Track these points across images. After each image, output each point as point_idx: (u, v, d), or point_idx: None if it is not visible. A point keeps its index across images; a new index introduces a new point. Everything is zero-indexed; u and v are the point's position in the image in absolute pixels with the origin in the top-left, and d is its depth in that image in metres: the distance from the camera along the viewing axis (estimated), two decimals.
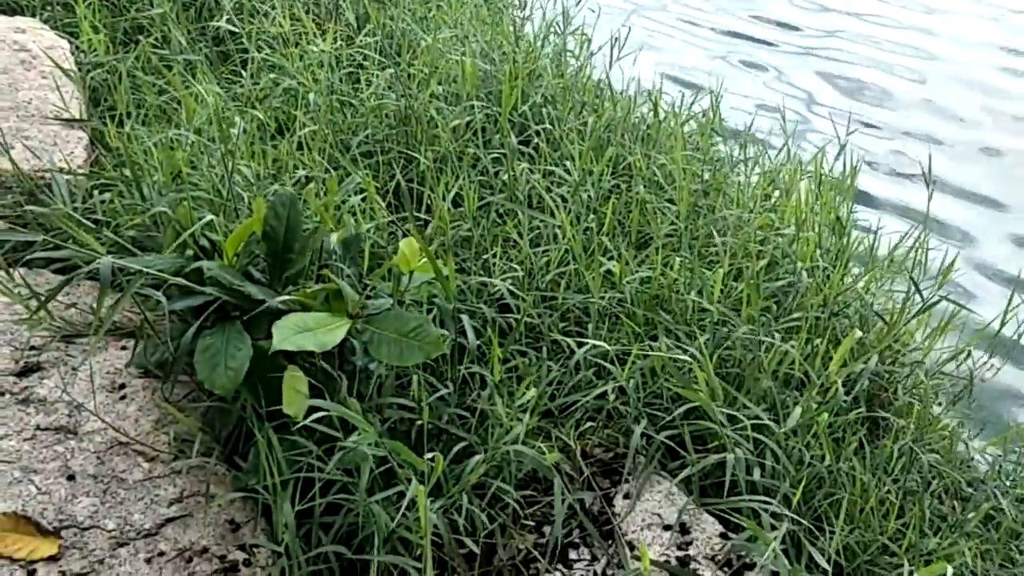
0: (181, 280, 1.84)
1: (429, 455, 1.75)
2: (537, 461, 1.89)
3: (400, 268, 1.95)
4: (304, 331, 1.73)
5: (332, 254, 2.01)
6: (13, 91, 2.78)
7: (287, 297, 1.83)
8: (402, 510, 1.66)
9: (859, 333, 2.21)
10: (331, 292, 1.89)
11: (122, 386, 2.00)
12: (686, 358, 2.12)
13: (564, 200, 2.82)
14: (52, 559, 1.64)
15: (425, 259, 1.95)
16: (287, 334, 1.69)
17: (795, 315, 2.48)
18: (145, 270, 1.75)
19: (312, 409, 1.78)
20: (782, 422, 2.19)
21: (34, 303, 2.06)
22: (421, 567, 1.69)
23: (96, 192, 2.42)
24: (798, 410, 2.15)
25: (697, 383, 2.12)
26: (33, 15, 3.41)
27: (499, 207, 2.76)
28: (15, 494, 1.73)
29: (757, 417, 2.14)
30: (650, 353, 2.19)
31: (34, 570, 1.62)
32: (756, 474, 2.06)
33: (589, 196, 2.85)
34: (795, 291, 2.63)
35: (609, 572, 1.92)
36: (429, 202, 2.77)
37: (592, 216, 2.75)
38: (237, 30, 3.24)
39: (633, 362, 2.21)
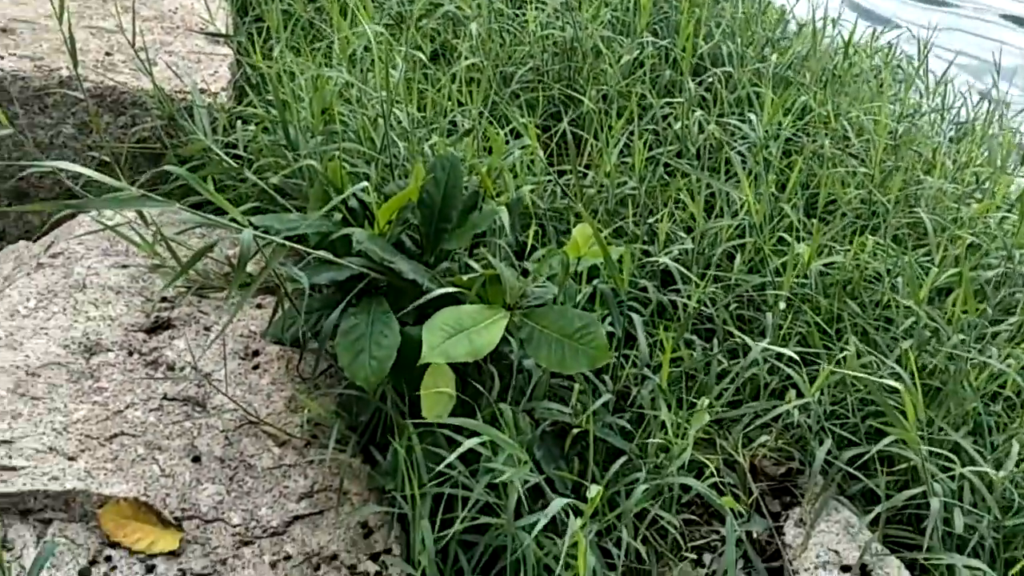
0: (324, 253, 1.64)
1: (590, 486, 1.53)
2: (710, 497, 1.66)
3: (567, 255, 1.71)
4: (458, 331, 1.52)
5: (493, 227, 1.78)
6: None
7: (441, 291, 1.61)
8: (564, 547, 1.45)
9: None
10: (488, 277, 1.67)
11: (255, 353, 1.84)
12: (889, 382, 1.82)
13: (742, 157, 2.50)
14: (172, 555, 1.51)
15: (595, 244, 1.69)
16: (438, 339, 1.48)
17: (1012, 319, 2.13)
18: (289, 244, 1.56)
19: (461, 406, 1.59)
20: (988, 450, 1.90)
21: (165, 252, 1.91)
22: None
23: (240, 123, 2.23)
24: (1016, 447, 1.84)
25: (897, 403, 1.83)
26: None
27: (668, 162, 2.47)
28: (138, 474, 1.59)
29: (961, 450, 1.84)
30: (842, 371, 1.90)
31: (153, 565, 1.49)
32: (957, 519, 1.77)
33: (771, 152, 2.52)
34: (1008, 285, 2.27)
35: None
36: (591, 149, 2.49)
37: (772, 176, 2.43)
38: None
39: (825, 375, 1.91)
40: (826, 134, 2.64)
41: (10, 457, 1.55)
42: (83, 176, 2.17)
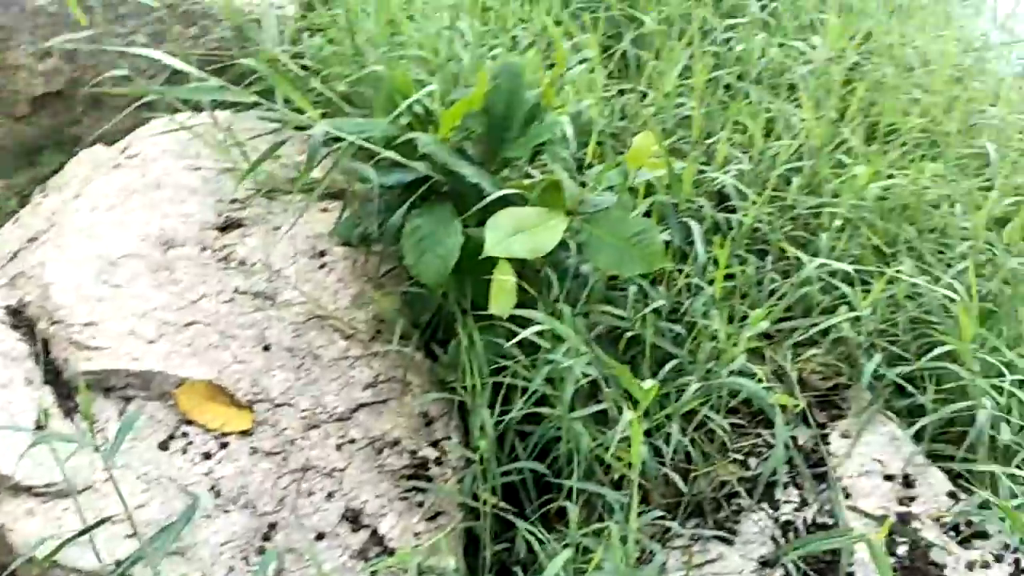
0: (392, 154, 1.70)
1: (644, 381, 1.58)
2: (760, 397, 1.70)
3: (628, 163, 1.74)
4: (519, 232, 1.57)
5: (553, 138, 1.82)
6: None
7: (504, 192, 1.66)
8: (615, 439, 1.51)
9: None
10: (549, 183, 1.71)
11: (322, 253, 1.91)
12: (944, 291, 1.84)
13: (804, 81, 2.49)
14: (244, 434, 1.60)
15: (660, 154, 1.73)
16: (500, 236, 1.53)
17: None
18: (357, 141, 1.61)
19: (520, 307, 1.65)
20: None
21: (239, 153, 1.97)
22: (621, 498, 1.56)
23: (307, 35, 2.28)
24: None
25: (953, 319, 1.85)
26: None
27: (729, 84, 2.47)
28: (212, 359, 1.68)
29: (1014, 367, 1.86)
30: (901, 277, 1.91)
31: (226, 442, 1.59)
32: (1004, 432, 1.80)
33: (832, 77, 2.51)
34: None
35: (820, 520, 1.75)
36: (651, 71, 2.50)
37: (832, 101, 2.42)
38: None
39: (881, 289, 1.93)
40: (890, 62, 2.62)
41: (94, 338, 1.65)
42: (156, 81, 2.25)
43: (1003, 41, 3.15)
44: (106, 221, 1.88)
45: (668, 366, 1.78)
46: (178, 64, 1.49)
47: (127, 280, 1.77)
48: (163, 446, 1.55)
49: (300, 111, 1.69)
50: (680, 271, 1.96)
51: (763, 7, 2.71)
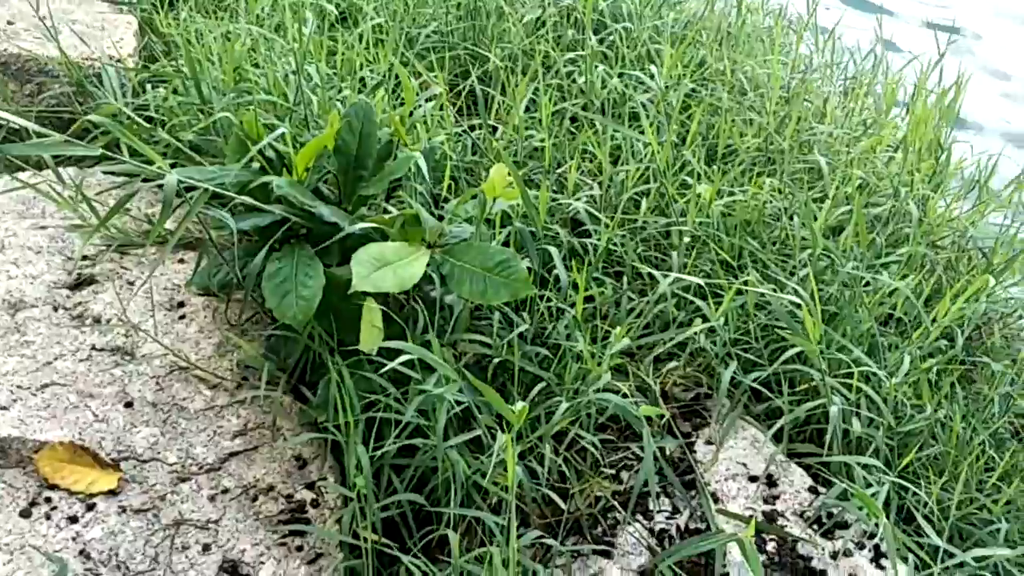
0: (248, 199, 1.69)
1: (514, 405, 1.62)
2: (627, 411, 1.76)
3: (484, 194, 1.79)
4: (382, 265, 1.58)
5: (408, 173, 1.85)
6: None
7: (363, 225, 1.67)
8: (491, 463, 1.54)
9: (992, 280, 2.03)
10: (408, 218, 1.74)
11: (181, 304, 1.87)
12: (790, 297, 1.95)
13: (644, 108, 2.61)
14: (111, 493, 1.55)
15: (512, 184, 1.78)
16: (366, 271, 1.54)
17: (901, 250, 2.28)
18: (211, 188, 1.60)
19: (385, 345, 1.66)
20: (882, 366, 2.04)
21: (87, 210, 1.92)
22: (500, 521, 1.58)
23: (149, 86, 2.25)
24: (907, 359, 1.99)
25: (797, 323, 1.97)
26: None
27: (574, 115, 2.56)
28: (71, 421, 1.62)
29: (860, 363, 1.98)
30: (748, 288, 2.02)
31: (93, 504, 1.53)
32: (855, 425, 1.92)
33: (671, 104, 2.64)
34: (895, 220, 2.44)
35: (692, 526, 1.81)
36: (499, 106, 2.57)
37: (673, 126, 2.55)
38: None
39: (731, 299, 2.03)
40: (723, 87, 2.77)
41: None
42: None
43: (826, 64, 3.38)
44: None
45: (537, 389, 1.82)
46: (16, 120, 1.44)
47: None
48: (24, 514, 1.48)
49: (148, 162, 1.66)
50: (542, 297, 2.01)
51: (600, 40, 2.82)
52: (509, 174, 1.74)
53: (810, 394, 2.03)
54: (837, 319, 2.14)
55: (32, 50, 2.30)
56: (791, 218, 2.34)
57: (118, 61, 2.33)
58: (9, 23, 2.36)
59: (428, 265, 1.69)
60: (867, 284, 2.18)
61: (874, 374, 1.97)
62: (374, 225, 1.68)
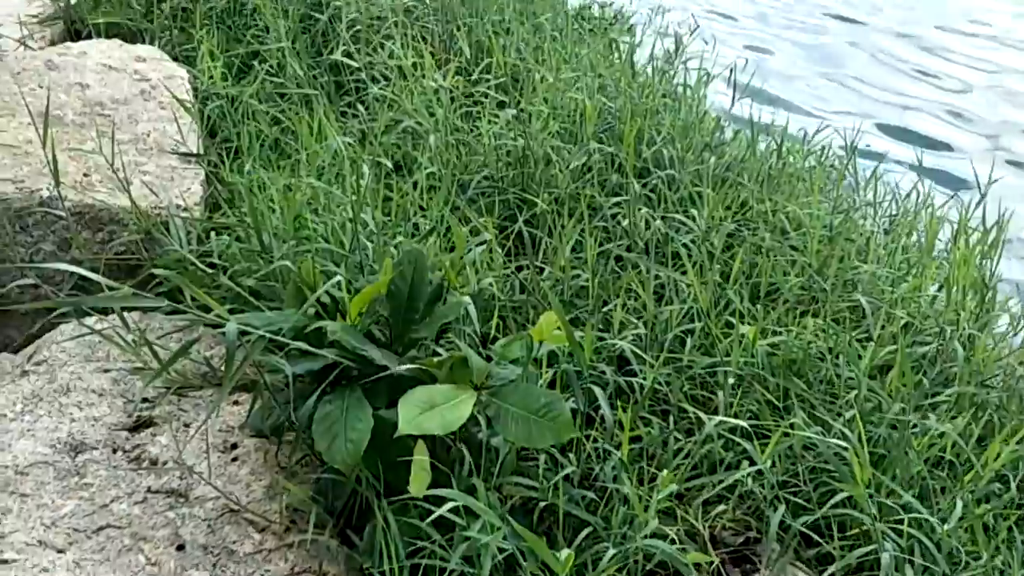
0: (303, 345, 1.75)
1: (560, 552, 1.62)
2: (676, 559, 1.75)
3: (531, 337, 1.83)
4: (429, 408, 1.62)
5: (457, 317, 1.91)
6: (132, 123, 2.76)
7: (411, 366, 1.72)
8: None
9: None
10: (456, 359, 1.78)
11: (234, 446, 1.92)
12: (837, 442, 1.95)
13: (687, 249, 2.67)
14: None
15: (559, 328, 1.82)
16: (412, 414, 1.59)
17: (948, 390, 2.27)
18: (268, 335, 1.67)
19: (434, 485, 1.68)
20: (934, 511, 2.01)
21: (149, 354, 2.00)
22: None
23: (214, 234, 2.36)
24: (960, 504, 1.96)
25: (846, 466, 1.95)
26: (152, 41, 3.41)
27: (619, 256, 2.63)
28: (124, 564, 1.66)
29: (910, 508, 1.95)
30: (794, 432, 2.02)
31: None
32: (909, 573, 1.88)
33: (713, 244, 2.69)
34: (942, 360, 2.43)
35: None
36: (546, 247, 2.65)
37: (716, 266, 2.59)
38: (354, 64, 3.17)
39: (777, 441, 2.03)
40: (766, 227, 2.82)
41: (2, 552, 1.61)
42: (64, 288, 2.29)
43: (867, 203, 3.44)
44: (14, 430, 1.87)
45: (583, 533, 1.82)
46: (86, 273, 1.54)
47: (35, 488, 1.75)
48: None
49: (209, 308, 1.74)
50: (588, 436, 2.03)
51: (644, 184, 2.91)
52: (558, 321, 1.79)
53: (861, 539, 2.00)
54: (886, 462, 2.12)
55: (105, 200, 2.43)
56: (836, 358, 2.35)
57: (184, 210, 2.46)
58: (85, 175, 2.51)
59: (474, 407, 1.73)
60: (915, 426, 2.17)
61: (927, 520, 1.94)
62: (423, 369, 1.73)
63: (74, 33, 3.56)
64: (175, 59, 3.25)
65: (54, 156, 2.13)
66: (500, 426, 1.71)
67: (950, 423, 2.18)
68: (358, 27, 3.37)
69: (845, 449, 1.98)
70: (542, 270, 2.57)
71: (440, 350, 1.95)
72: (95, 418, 1.92)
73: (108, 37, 3.32)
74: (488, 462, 1.83)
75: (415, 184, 2.63)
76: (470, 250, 2.30)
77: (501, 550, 1.65)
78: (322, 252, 2.22)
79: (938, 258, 3.04)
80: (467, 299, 1.92)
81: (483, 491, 1.65)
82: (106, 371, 2.04)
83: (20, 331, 2.42)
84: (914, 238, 3.22)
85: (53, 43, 3.38)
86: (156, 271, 1.70)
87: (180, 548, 1.71)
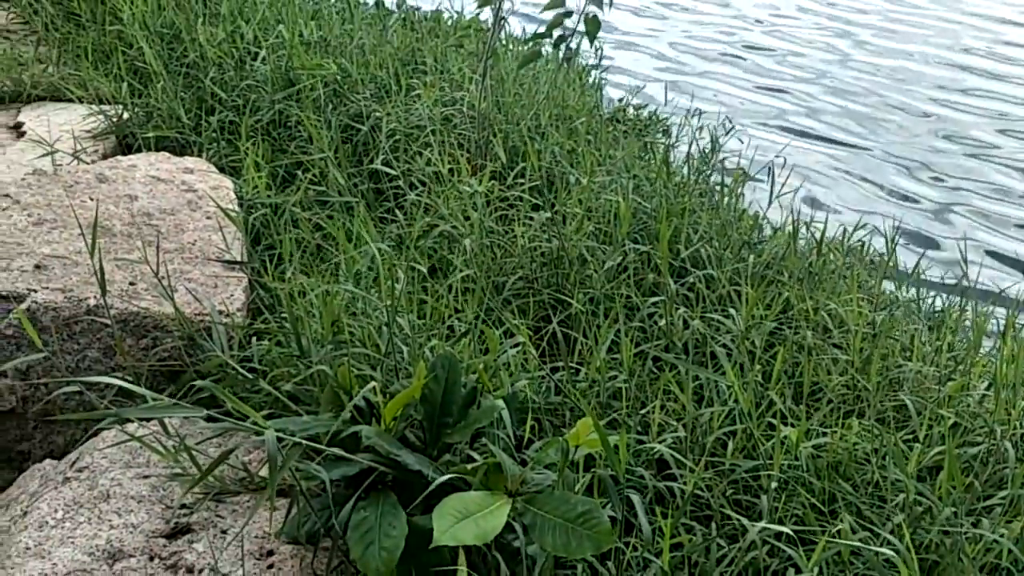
0: (337, 450, 1.76)
1: None
2: None
3: (567, 442, 1.82)
4: (464, 516, 1.61)
5: (491, 421, 1.90)
6: (179, 232, 2.84)
7: (446, 477, 1.72)
8: None
9: None
10: (490, 466, 1.77)
11: (270, 553, 1.91)
12: (885, 551, 1.89)
13: (727, 349, 2.65)
14: None
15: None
16: (447, 523, 1.58)
17: (1002, 493, 2.20)
18: (304, 442, 1.68)
19: None
20: None
21: (188, 462, 2.02)
22: None
23: (255, 339, 2.40)
24: None
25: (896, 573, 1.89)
26: (200, 153, 3.53)
27: (657, 356, 2.61)
28: None
29: None
30: (838, 542, 1.97)
31: None
32: None
33: (753, 344, 2.67)
34: (993, 461, 2.36)
35: None
36: (581, 347, 2.65)
37: (757, 366, 2.57)
38: (392, 171, 3.25)
39: (821, 549, 1.97)
40: (807, 326, 2.80)
41: None
42: (107, 394, 2.32)
43: (911, 299, 3.41)
44: (54, 537, 1.88)
45: None
46: (126, 386, 1.57)
47: None
48: None
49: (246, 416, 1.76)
50: (627, 543, 1.99)
51: (681, 283, 2.92)
52: (593, 427, 1.78)
53: None
54: (938, 569, 2.05)
55: (149, 308, 2.49)
56: (883, 459, 2.29)
57: (227, 316, 2.50)
58: (131, 284, 2.58)
59: (510, 514, 1.71)
60: (968, 532, 2.10)
61: None
62: (456, 476, 1.72)
63: (125, 147, 3.70)
64: (221, 170, 3.35)
65: (101, 266, 2.19)
66: (536, 534, 1.69)
67: (1005, 528, 2.11)
68: (397, 136, 3.47)
69: (894, 556, 1.92)
70: (577, 371, 2.56)
71: (475, 454, 1.94)
72: (133, 525, 1.93)
73: (158, 150, 3.44)
74: (524, 570, 1.80)
75: (450, 287, 2.66)
76: (504, 351, 2.31)
77: None
78: (358, 356, 2.24)
79: (986, 355, 2.98)
80: (500, 403, 1.92)
81: None
82: (145, 477, 2.06)
83: (64, 438, 2.46)
84: (960, 336, 3.17)
85: (105, 157, 3.51)
86: (196, 382, 1.72)
87: None
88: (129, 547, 1.88)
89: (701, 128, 4.42)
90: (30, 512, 1.95)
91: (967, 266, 3.44)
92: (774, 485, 2.18)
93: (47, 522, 1.91)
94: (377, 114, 3.55)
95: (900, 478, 2.18)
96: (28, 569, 1.79)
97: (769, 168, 3.72)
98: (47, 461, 2.24)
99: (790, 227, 3.39)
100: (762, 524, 2.02)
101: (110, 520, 1.94)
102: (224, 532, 1.95)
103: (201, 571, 1.84)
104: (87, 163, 3.38)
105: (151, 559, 1.86)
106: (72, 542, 1.87)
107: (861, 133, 6.13)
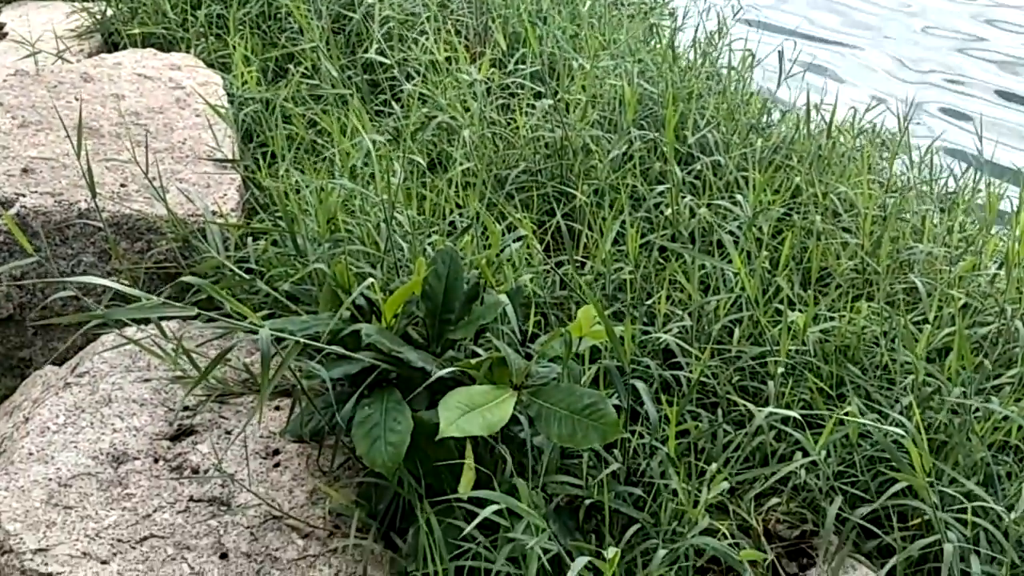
0: (338, 349, 1.73)
1: (607, 549, 1.57)
2: (729, 556, 1.69)
3: (570, 334, 1.79)
4: (470, 409, 1.59)
5: (495, 317, 1.87)
6: (168, 131, 2.76)
7: (450, 369, 1.69)
8: None
9: None
10: (494, 360, 1.74)
11: (276, 452, 1.90)
12: (894, 430, 1.87)
13: (733, 236, 2.59)
14: None
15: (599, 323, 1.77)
16: (453, 416, 1.55)
17: (1011, 372, 2.18)
18: (303, 340, 1.65)
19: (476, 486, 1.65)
20: (1000, 499, 1.92)
21: (188, 365, 1.99)
22: None
23: (251, 239, 2.35)
24: None
25: (904, 454, 1.88)
26: (188, 49, 3.42)
27: (662, 246, 2.56)
28: (168, 574, 1.65)
29: (974, 496, 1.87)
30: (849, 419, 1.95)
31: None
32: (974, 565, 1.80)
33: (760, 230, 2.62)
34: (1003, 340, 2.33)
35: None
36: (586, 240, 2.60)
37: (764, 253, 2.52)
38: (387, 61, 3.14)
39: (831, 431, 1.96)
40: (816, 211, 2.74)
41: (46, 564, 1.61)
42: (104, 299, 2.29)
43: (923, 181, 3.33)
44: (57, 442, 1.87)
45: (631, 531, 1.77)
46: (118, 287, 1.53)
47: (78, 500, 1.75)
48: None
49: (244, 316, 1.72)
50: (633, 432, 1.97)
51: (688, 171, 2.84)
52: (596, 316, 1.74)
53: (923, 530, 1.92)
54: (947, 448, 2.04)
55: (142, 210, 2.44)
56: (892, 342, 2.26)
57: (221, 216, 2.45)
58: (122, 186, 2.52)
59: (515, 407, 1.69)
60: (977, 410, 2.08)
61: (992, 508, 1.85)
62: (459, 369, 1.70)
63: (111, 45, 3.59)
64: (210, 66, 3.25)
65: (89, 168, 2.13)
66: (542, 425, 1.67)
67: (1014, 406, 2.09)
68: (391, 24, 3.35)
69: (903, 436, 1.90)
70: (583, 264, 2.52)
71: (479, 350, 1.91)
72: (136, 428, 1.92)
73: (144, 47, 3.33)
74: (531, 461, 1.78)
75: (450, 181, 2.60)
76: (506, 246, 2.26)
77: (546, 550, 1.61)
78: (357, 254, 2.20)
79: (998, 235, 2.92)
80: (504, 298, 1.87)
81: (526, 491, 1.61)
82: (147, 381, 2.04)
83: (65, 344, 2.44)
84: (972, 217, 3.10)
85: (90, 56, 3.41)
86: (187, 279, 1.68)
87: (223, 556, 1.69)
88: (133, 450, 1.87)
89: (708, 10, 4.26)
90: (32, 418, 1.94)
91: (982, 143, 3.35)
92: (781, 371, 2.16)
93: (48, 427, 1.90)
94: (369, 1, 3.42)
95: (909, 359, 2.16)
96: (32, 474, 1.79)
97: (779, 52, 3.59)
98: (48, 367, 2.23)
99: (799, 111, 3.29)
100: (769, 409, 2.00)
101: (113, 424, 1.92)
102: (228, 433, 1.94)
103: (206, 471, 1.84)
104: (71, 63, 3.27)
105: (156, 461, 1.85)
106: (75, 446, 1.86)
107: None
